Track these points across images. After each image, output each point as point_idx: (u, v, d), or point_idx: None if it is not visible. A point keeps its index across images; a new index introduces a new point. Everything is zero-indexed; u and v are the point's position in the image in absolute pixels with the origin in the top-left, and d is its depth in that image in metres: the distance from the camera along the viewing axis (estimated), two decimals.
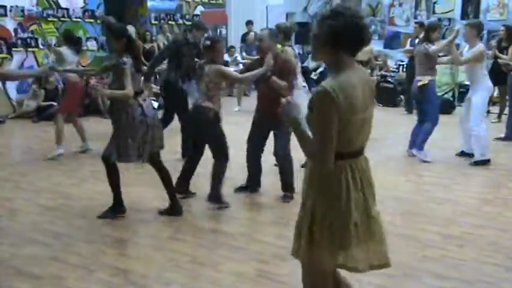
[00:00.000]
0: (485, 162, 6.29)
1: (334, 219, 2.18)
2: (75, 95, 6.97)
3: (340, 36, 2.12)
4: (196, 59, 6.25)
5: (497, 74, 8.17)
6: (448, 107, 10.15)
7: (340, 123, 2.09)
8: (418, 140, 6.57)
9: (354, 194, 2.19)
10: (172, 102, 6.57)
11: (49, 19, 10.41)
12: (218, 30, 13.93)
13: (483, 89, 6.26)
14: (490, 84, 6.39)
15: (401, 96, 11.05)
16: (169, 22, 13.07)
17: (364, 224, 2.22)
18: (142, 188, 5.42)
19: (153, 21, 12.85)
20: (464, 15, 12.32)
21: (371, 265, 2.28)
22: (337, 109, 2.07)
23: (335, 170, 2.16)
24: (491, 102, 10.27)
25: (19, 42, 10.01)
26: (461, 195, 5.21)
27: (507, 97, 8.49)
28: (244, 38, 13.12)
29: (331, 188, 2.19)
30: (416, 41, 9.97)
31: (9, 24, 9.91)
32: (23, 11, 10.04)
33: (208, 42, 4.73)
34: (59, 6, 10.64)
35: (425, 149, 6.51)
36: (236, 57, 12.82)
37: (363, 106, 2.17)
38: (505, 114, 8.61)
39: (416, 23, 11.00)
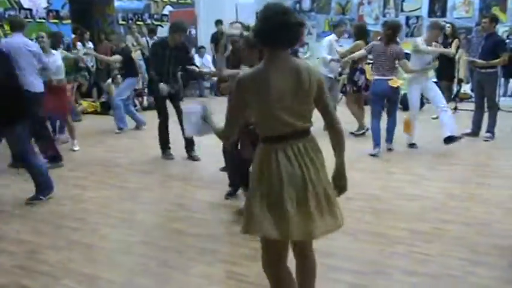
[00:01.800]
0: (457, 139, 6.81)
1: (270, 193, 2.43)
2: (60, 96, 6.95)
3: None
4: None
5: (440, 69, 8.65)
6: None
7: (248, 107, 2.43)
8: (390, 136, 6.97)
9: (288, 171, 2.40)
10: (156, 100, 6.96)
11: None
12: (187, 31, 13.80)
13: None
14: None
15: None
16: (137, 22, 12.91)
17: (276, 196, 2.40)
18: (108, 192, 5.34)
19: (120, 21, 12.68)
20: (431, 12, 12.52)
21: (285, 235, 2.42)
22: (244, 94, 2.40)
23: (266, 153, 2.45)
24: (460, 98, 10.55)
25: None
26: (429, 191, 5.28)
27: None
28: (214, 37, 13.06)
29: (264, 168, 2.46)
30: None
31: None
32: None
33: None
34: (21, 7, 10.40)
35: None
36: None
37: (280, 95, 2.36)
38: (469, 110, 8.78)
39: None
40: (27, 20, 10.36)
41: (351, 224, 4.16)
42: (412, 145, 7.19)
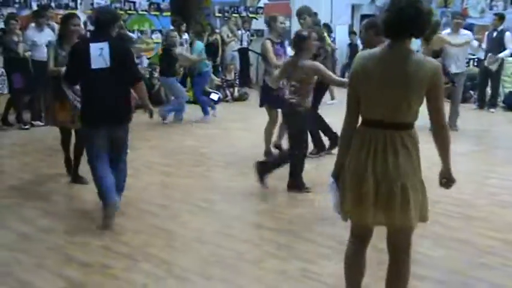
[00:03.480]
0: None
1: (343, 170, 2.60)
2: None
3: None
4: None
5: None
6: None
7: (355, 88, 2.52)
8: None
9: (354, 155, 2.51)
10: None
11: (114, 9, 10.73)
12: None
13: None
14: None
15: (471, 92, 10.50)
16: (233, 14, 13.10)
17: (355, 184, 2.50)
18: (191, 180, 5.46)
19: (217, 14, 12.94)
20: None
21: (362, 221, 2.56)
22: (354, 74, 2.52)
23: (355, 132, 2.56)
24: None
25: (87, 34, 10.37)
26: None
27: None
28: None
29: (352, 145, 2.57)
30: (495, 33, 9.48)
31: (80, 17, 10.26)
32: (92, 4, 10.39)
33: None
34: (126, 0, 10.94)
35: None
36: None
37: (381, 81, 2.40)
38: None
39: (495, 14, 10.39)
40: (130, 12, 10.94)
41: (436, 229, 3.92)
42: None
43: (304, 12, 6.58)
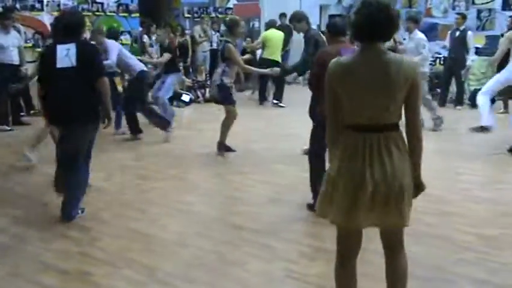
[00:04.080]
0: None
1: (329, 175, 2.55)
2: None
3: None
4: None
5: None
6: None
7: (336, 94, 2.48)
8: None
9: (350, 159, 2.44)
10: None
11: (84, 13, 10.51)
12: (251, 23, 13.82)
13: None
14: None
15: (438, 90, 10.74)
16: (202, 15, 13.03)
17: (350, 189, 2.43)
18: (168, 182, 5.40)
19: (186, 15, 12.84)
20: (506, 5, 11.82)
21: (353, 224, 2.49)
22: (331, 81, 2.48)
23: (342, 138, 2.51)
24: None
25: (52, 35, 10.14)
26: (502, 194, 4.98)
27: None
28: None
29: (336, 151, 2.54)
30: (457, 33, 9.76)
31: (46, 18, 10.06)
32: (59, 5, 10.17)
33: None
34: (93, 1, 10.74)
35: None
36: None
37: (366, 84, 2.39)
38: None
39: (457, 14, 10.67)
40: (98, 13, 10.75)
41: (414, 226, 3.98)
42: None
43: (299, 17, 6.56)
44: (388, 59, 2.40)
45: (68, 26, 4.36)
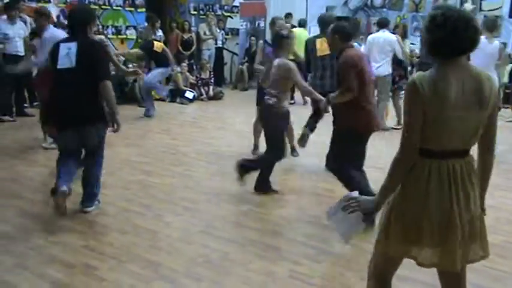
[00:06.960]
0: None
1: (409, 212, 2.20)
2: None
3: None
4: None
5: None
6: None
7: (426, 117, 2.10)
8: None
9: (436, 193, 2.16)
10: None
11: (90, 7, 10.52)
12: (256, 23, 13.82)
13: None
14: None
15: None
16: (208, 12, 13.03)
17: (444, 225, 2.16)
18: (173, 179, 5.41)
19: (192, 11, 12.84)
20: None
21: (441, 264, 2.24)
22: (421, 101, 2.08)
23: (419, 166, 2.17)
24: None
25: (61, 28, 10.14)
26: (504, 202, 4.99)
27: None
28: None
29: (410, 182, 2.20)
30: None
31: (53, 10, 10.03)
32: None
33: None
34: None
35: None
36: None
37: (458, 104, 2.09)
38: None
39: None
40: (105, 7, 10.75)
41: None
42: None
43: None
44: (478, 75, 2.13)
45: (73, 22, 4.22)
